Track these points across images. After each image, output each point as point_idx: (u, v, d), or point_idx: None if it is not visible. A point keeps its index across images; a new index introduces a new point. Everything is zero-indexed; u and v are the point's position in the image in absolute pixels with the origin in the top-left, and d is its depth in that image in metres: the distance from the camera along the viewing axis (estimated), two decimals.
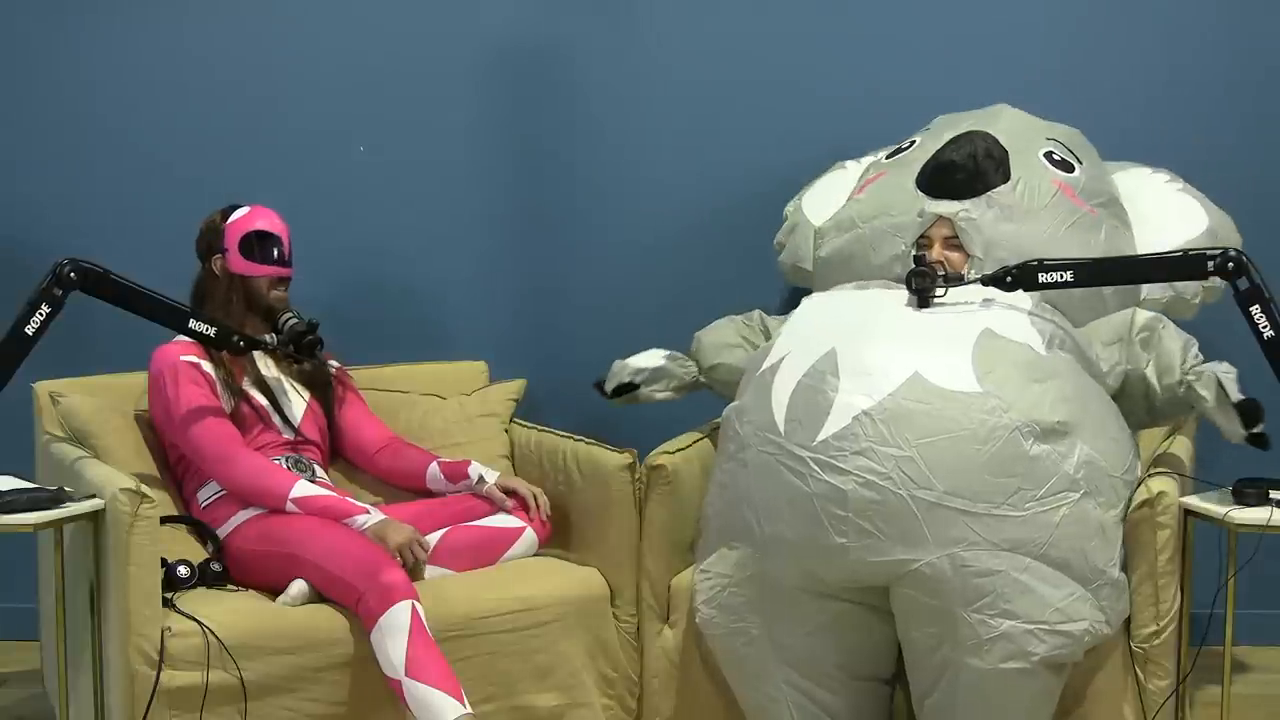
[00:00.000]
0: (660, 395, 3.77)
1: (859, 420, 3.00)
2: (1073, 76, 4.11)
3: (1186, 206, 3.68)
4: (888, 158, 3.81)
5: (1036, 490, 2.97)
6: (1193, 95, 4.11)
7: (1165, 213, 3.65)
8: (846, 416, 3.02)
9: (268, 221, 3.56)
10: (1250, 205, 3.78)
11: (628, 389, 3.75)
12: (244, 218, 3.55)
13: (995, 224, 3.42)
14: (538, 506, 3.52)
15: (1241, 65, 4.10)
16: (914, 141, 3.75)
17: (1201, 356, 3.29)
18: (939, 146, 3.55)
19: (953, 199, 3.46)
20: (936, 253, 3.41)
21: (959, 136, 3.54)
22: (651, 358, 3.77)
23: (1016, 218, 3.43)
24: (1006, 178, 3.47)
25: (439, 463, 3.60)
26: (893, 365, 3.06)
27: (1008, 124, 3.64)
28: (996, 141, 3.51)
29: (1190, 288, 3.54)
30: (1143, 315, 3.36)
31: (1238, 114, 4.11)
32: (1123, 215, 3.62)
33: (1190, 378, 3.21)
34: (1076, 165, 3.61)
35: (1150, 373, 3.28)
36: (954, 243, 3.43)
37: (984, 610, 2.95)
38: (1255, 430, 3.09)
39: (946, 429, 2.98)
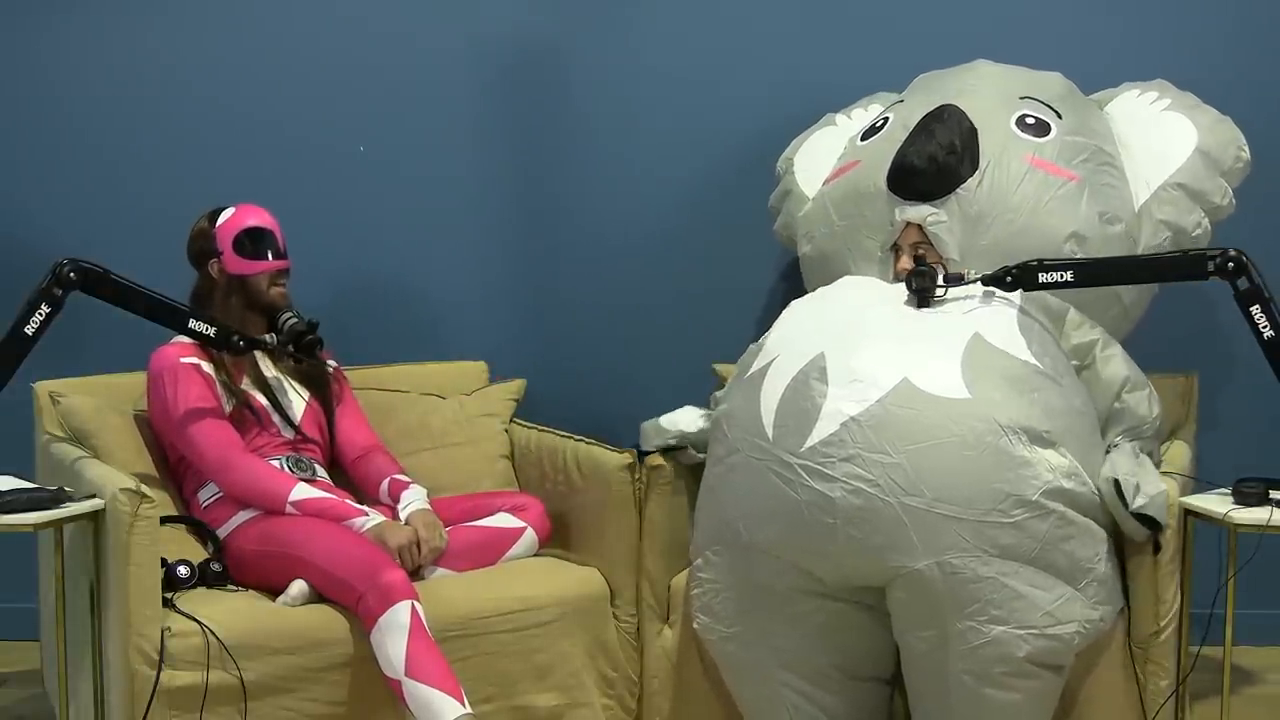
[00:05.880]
0: (701, 457, 3.40)
1: (847, 427, 2.99)
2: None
3: (1175, 127, 3.59)
4: (862, 139, 3.69)
5: (1024, 496, 2.96)
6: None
7: (1155, 142, 3.57)
8: (835, 423, 3.00)
9: (257, 218, 3.55)
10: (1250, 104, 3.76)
11: (674, 449, 3.48)
12: (233, 218, 3.53)
13: (966, 221, 3.36)
14: (415, 554, 3.31)
15: None
16: (887, 119, 3.64)
17: (1150, 391, 3.28)
18: (908, 132, 3.44)
19: (922, 199, 3.39)
20: (904, 263, 3.37)
21: (924, 121, 3.42)
22: (689, 419, 3.46)
23: (987, 210, 3.36)
24: (975, 166, 3.38)
25: (390, 479, 3.54)
26: (882, 371, 3.03)
27: (982, 87, 3.56)
28: (963, 123, 3.40)
29: (1215, 192, 3.52)
30: (1085, 334, 3.30)
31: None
32: (1114, 160, 3.53)
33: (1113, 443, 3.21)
34: (1054, 123, 3.50)
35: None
36: (925, 246, 3.37)
37: (974, 616, 2.94)
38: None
39: (935, 436, 2.96)
